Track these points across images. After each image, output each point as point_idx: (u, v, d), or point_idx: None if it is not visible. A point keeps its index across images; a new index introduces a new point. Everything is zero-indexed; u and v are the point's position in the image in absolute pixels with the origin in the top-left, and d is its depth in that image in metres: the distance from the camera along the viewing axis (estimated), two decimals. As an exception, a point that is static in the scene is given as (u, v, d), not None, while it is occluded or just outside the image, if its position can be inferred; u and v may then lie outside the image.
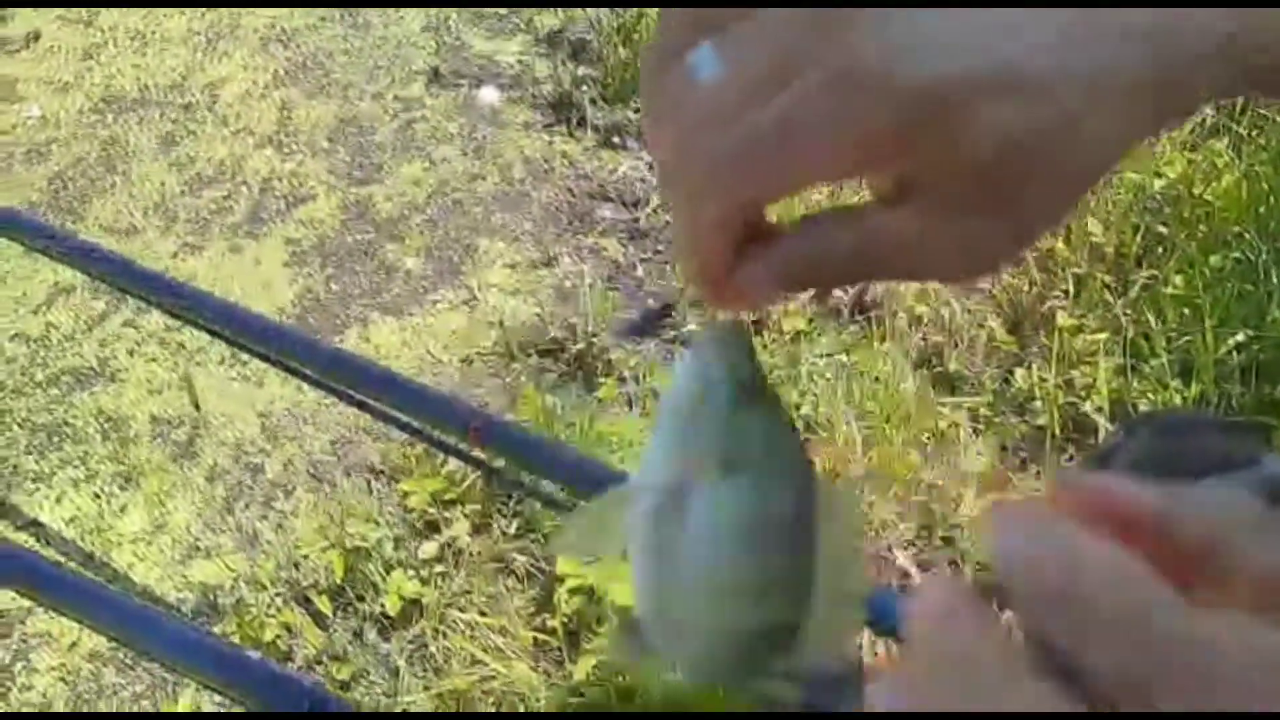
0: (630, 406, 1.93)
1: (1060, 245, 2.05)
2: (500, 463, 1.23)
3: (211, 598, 1.71)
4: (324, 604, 1.69)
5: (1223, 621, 0.26)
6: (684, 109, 0.36)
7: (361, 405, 1.06)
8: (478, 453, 1.07)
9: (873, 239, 0.37)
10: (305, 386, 2.03)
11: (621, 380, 1.97)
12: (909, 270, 0.38)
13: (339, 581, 1.71)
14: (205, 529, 1.84)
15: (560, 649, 1.60)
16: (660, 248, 2.20)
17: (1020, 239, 0.37)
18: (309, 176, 2.47)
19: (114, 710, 1.64)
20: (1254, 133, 2.15)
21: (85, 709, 1.64)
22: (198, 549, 1.82)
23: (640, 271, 2.17)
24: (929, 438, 1.83)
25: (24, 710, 1.63)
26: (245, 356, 2.08)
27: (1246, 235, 1.91)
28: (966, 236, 0.36)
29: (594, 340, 2.02)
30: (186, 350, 2.13)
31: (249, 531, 1.83)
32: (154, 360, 2.13)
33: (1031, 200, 0.36)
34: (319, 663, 1.64)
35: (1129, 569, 0.27)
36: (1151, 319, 1.84)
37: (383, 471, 1.87)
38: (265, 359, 1.09)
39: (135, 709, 1.63)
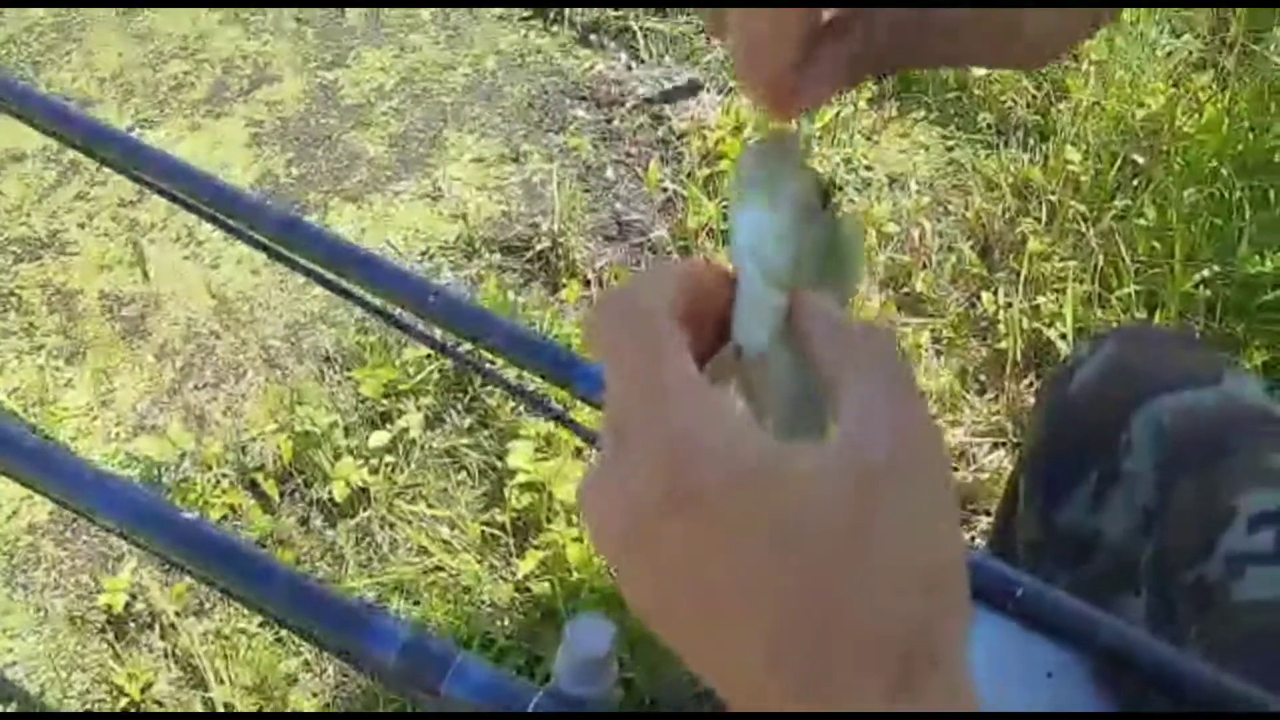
0: (593, 309, 1.91)
1: (1036, 172, 2.02)
2: (463, 347, 1.20)
3: (156, 474, 1.68)
4: (271, 487, 1.66)
5: (697, 390, 0.33)
6: None
7: (317, 277, 1.02)
8: (437, 333, 1.04)
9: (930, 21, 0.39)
10: (261, 269, 1.99)
11: (586, 283, 1.94)
12: (972, 52, 0.41)
13: (287, 466, 1.68)
14: (152, 406, 1.81)
15: (509, 544, 1.59)
16: (632, 150, 2.16)
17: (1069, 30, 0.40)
18: (275, 57, 2.40)
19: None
20: (1240, 68, 2.12)
21: (22, 581, 1.62)
22: (144, 426, 1.78)
23: (611, 174, 2.12)
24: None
25: None
26: (201, 235, 2.04)
27: (1223, 171, 1.89)
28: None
29: (560, 240, 1.98)
30: (140, 226, 2.07)
31: (197, 411, 1.79)
32: (106, 235, 2.07)
33: None
34: (263, 545, 1.62)
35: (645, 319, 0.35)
36: (1123, 249, 1.83)
37: (336, 359, 1.84)
38: (215, 221, 1.05)
39: (73, 582, 1.61)
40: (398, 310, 1.02)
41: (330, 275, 1.02)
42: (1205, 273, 1.76)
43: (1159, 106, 2.07)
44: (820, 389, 0.35)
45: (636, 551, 0.34)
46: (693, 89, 1.83)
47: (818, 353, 0.36)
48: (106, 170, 2.16)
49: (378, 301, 1.03)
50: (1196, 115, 2.03)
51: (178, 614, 1.54)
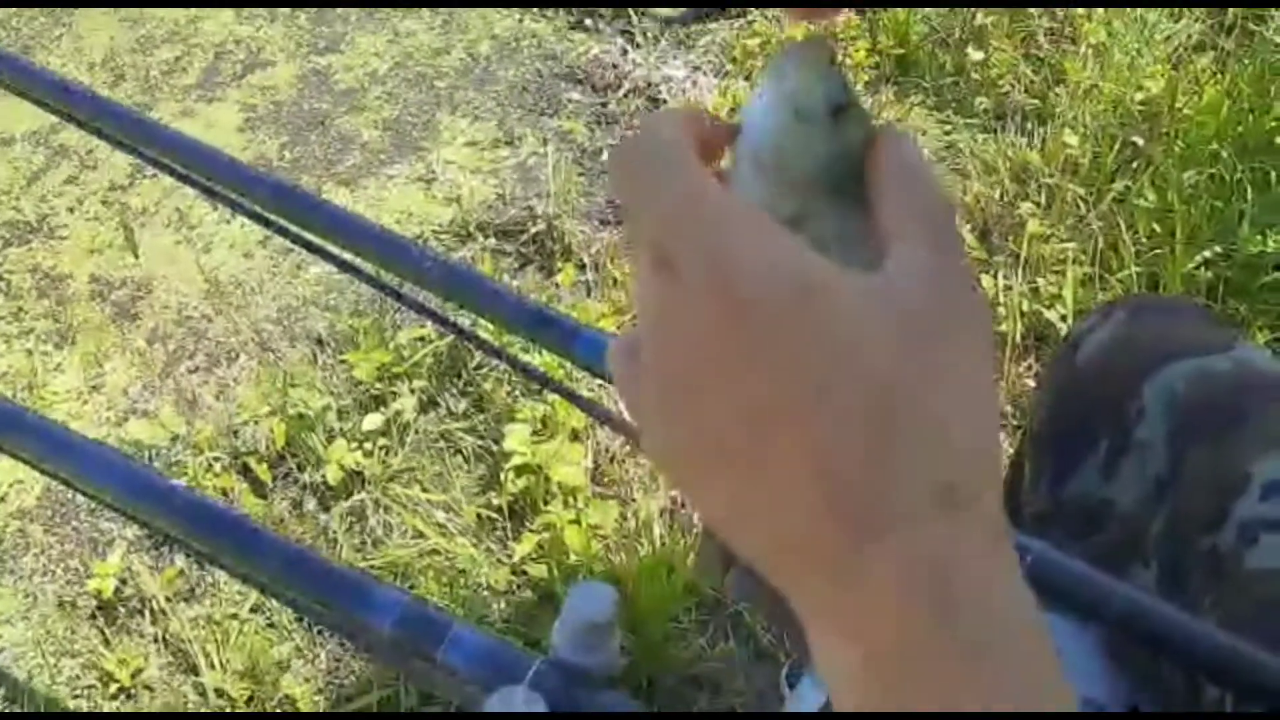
0: (589, 293, 1.89)
1: (1034, 156, 2.01)
2: (463, 320, 1.18)
3: (147, 458, 1.66)
4: (263, 471, 1.64)
5: (746, 211, 0.33)
6: None
7: (310, 247, 1.00)
8: (434, 307, 1.02)
9: None
10: (254, 253, 1.97)
11: (581, 266, 1.92)
12: None
13: (279, 450, 1.66)
14: (144, 390, 1.78)
15: (505, 527, 1.57)
16: (628, 134, 2.14)
17: None
18: (268, 42, 2.38)
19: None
20: (1239, 49, 2.11)
21: (10, 567, 1.59)
22: (135, 410, 1.76)
23: (606, 157, 2.10)
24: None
25: None
26: (193, 219, 2.01)
27: (1224, 153, 1.88)
28: None
29: (555, 223, 1.96)
30: (131, 210, 2.04)
31: (189, 395, 1.77)
32: (96, 219, 2.05)
33: None
34: (256, 530, 1.60)
35: (671, 148, 0.34)
36: (1123, 231, 1.81)
37: (330, 342, 1.82)
38: (225, 199, 1.03)
39: (63, 568, 1.58)
40: (399, 284, 1.00)
41: (331, 248, 1.01)
42: (1207, 254, 1.74)
43: (1158, 89, 2.05)
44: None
45: (700, 378, 0.33)
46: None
47: (885, 193, 0.35)
48: (97, 154, 2.14)
49: (372, 269, 1.01)
50: (1196, 97, 2.02)
51: (168, 599, 1.52)
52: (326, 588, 0.72)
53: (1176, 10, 2.21)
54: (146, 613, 1.52)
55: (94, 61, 2.33)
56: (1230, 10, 2.16)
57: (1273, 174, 1.83)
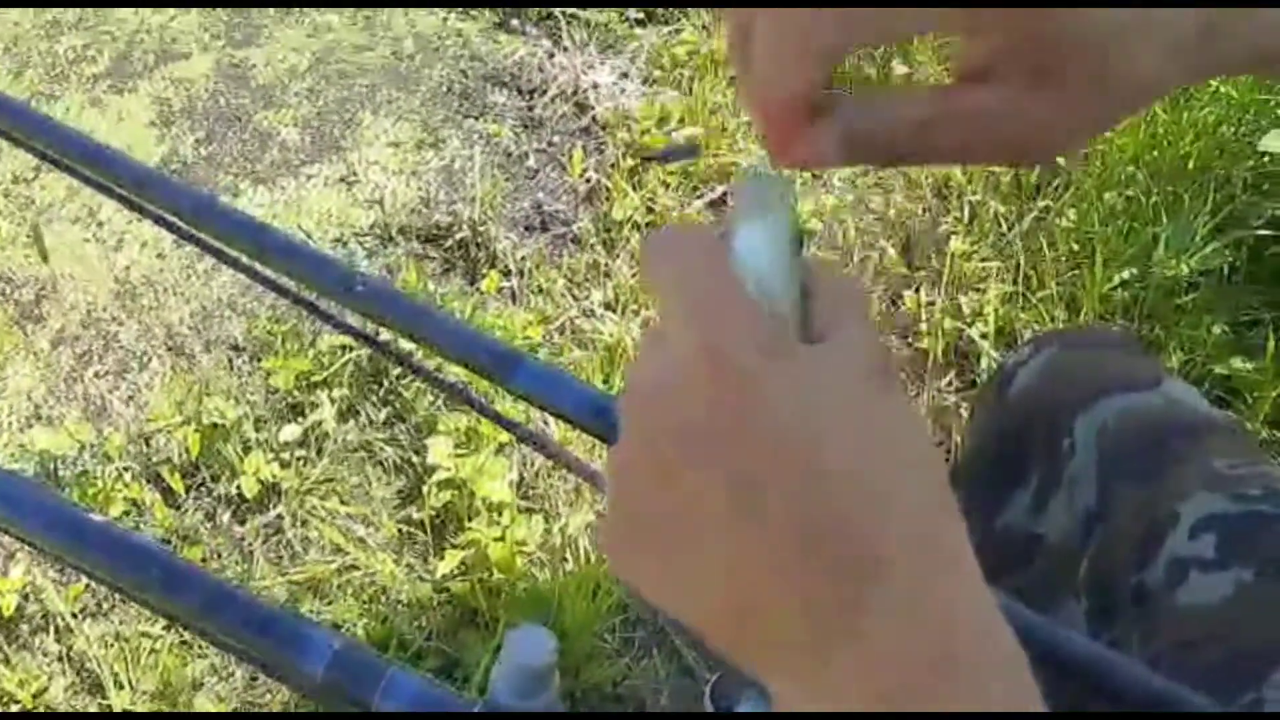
0: (514, 300, 1.86)
1: (956, 172, 2.03)
2: (383, 335, 1.15)
3: (52, 468, 1.60)
4: (176, 482, 1.59)
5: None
6: None
7: (234, 263, 0.97)
8: (355, 321, 0.99)
9: (948, 111, 0.40)
10: (167, 252, 1.91)
11: (506, 273, 1.90)
12: (975, 145, 0.41)
13: (193, 460, 1.61)
14: (48, 396, 1.72)
15: (426, 543, 1.54)
16: (554, 139, 2.12)
17: (1073, 134, 0.41)
18: (182, 33, 2.30)
19: None
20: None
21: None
22: (39, 416, 1.69)
23: (533, 161, 2.08)
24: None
25: None
26: (102, 216, 1.95)
27: (1140, 176, 1.92)
28: (1030, 116, 0.40)
29: (480, 229, 1.93)
30: (36, 205, 1.97)
31: (97, 402, 1.71)
32: (-1, 214, 1.97)
33: (1083, 97, 0.40)
34: (167, 542, 1.55)
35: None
36: (1045, 249, 1.84)
37: (246, 348, 1.77)
38: (127, 203, 0.98)
39: (-40, 581, 1.52)
40: (320, 300, 0.97)
41: (246, 259, 0.97)
42: (1124, 275, 1.78)
43: (1078, 110, 2.08)
44: None
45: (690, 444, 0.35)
46: (691, 151, 1.79)
47: (822, 300, 0.39)
48: None
49: (293, 285, 0.98)
50: (1114, 120, 2.06)
51: (74, 615, 1.46)
52: (254, 628, 0.69)
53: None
54: (50, 630, 1.46)
55: (-2, 48, 2.24)
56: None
57: (1186, 198, 1.88)
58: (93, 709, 1.40)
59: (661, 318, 0.38)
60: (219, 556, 1.54)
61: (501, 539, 1.48)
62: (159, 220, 0.99)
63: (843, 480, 0.34)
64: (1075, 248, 1.86)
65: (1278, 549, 0.80)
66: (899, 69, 2.22)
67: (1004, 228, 1.93)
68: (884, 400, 0.36)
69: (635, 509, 0.37)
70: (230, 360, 1.76)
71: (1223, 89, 1.99)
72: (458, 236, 1.93)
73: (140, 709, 1.38)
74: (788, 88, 0.39)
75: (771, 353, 0.35)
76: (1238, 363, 1.70)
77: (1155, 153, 1.97)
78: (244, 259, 0.96)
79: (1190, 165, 1.93)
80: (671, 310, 0.37)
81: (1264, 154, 1.87)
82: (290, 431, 1.63)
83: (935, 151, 0.41)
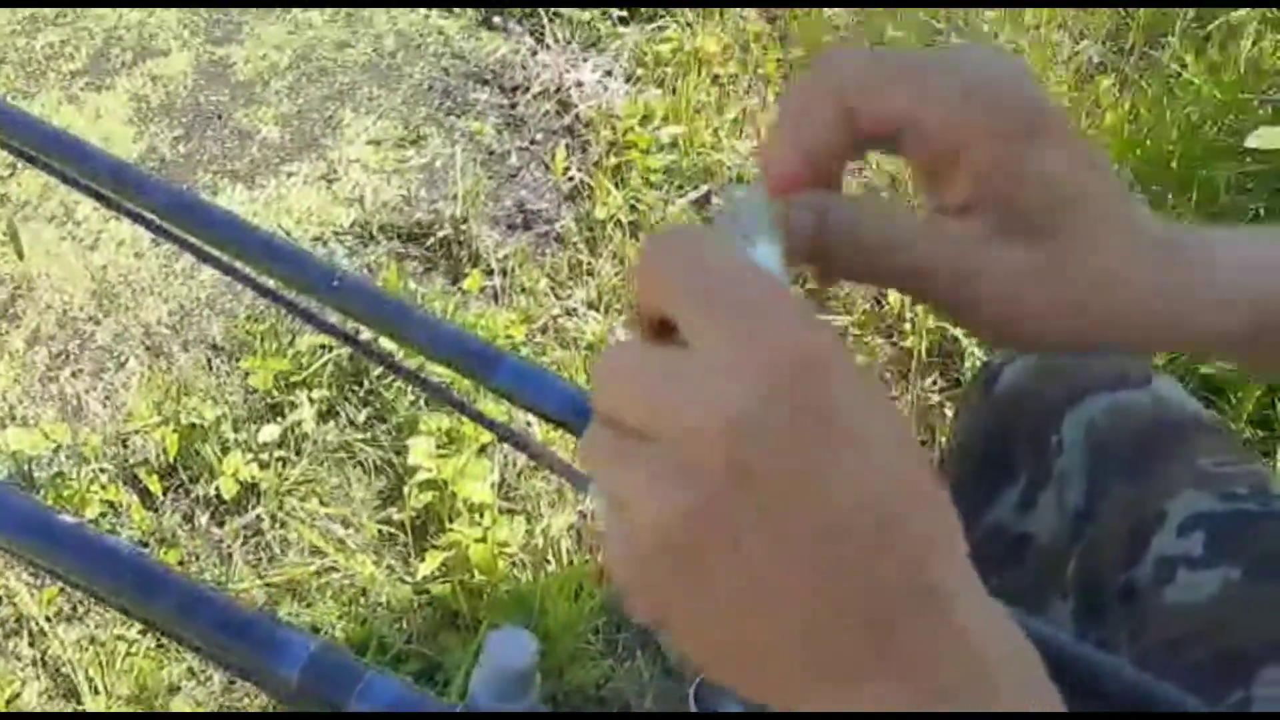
0: (496, 300, 1.85)
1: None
2: (364, 334, 1.14)
3: (27, 469, 1.58)
4: (153, 483, 1.57)
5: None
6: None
7: (208, 258, 0.95)
8: (336, 320, 0.98)
9: (918, 233, 0.41)
10: (145, 251, 1.88)
11: (489, 272, 1.88)
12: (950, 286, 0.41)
13: (171, 460, 1.59)
14: (23, 396, 1.69)
15: (407, 544, 1.53)
16: (537, 137, 2.10)
17: (1049, 313, 0.42)
18: (161, 29, 2.28)
19: None
20: (1138, 74, 2.16)
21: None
22: (13, 417, 1.67)
23: (515, 160, 2.07)
24: (798, 352, 1.80)
25: None
26: (79, 215, 1.92)
27: (1124, 174, 1.91)
28: (999, 264, 0.40)
29: (462, 227, 1.92)
30: (13, 203, 1.94)
31: (73, 402, 1.69)
32: (-27, 212, 1.94)
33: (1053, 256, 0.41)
34: (145, 544, 1.53)
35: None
36: (1027, 248, 1.84)
37: (225, 348, 1.75)
38: (101, 198, 0.96)
39: (-67, 584, 1.49)
40: (298, 297, 0.95)
41: (223, 256, 0.95)
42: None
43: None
44: None
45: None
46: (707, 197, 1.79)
47: None
48: (-25, 143, 2.02)
49: (274, 284, 0.96)
50: (1098, 118, 2.06)
51: (48, 619, 1.44)
52: (228, 631, 0.68)
53: (1079, 30, 2.25)
54: (24, 634, 1.44)
55: (-27, 44, 2.22)
56: (1130, 33, 2.21)
57: (1170, 196, 1.87)
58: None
59: (693, 332, 0.32)
60: (197, 558, 1.52)
61: (483, 540, 1.46)
62: (134, 217, 0.97)
63: (909, 517, 0.32)
64: (1059, 246, 1.86)
65: (1265, 547, 0.79)
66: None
67: (988, 226, 1.93)
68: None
69: (695, 562, 0.32)
70: (209, 360, 1.74)
71: (1206, 89, 1.99)
72: (439, 235, 1.91)
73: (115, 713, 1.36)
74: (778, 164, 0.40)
75: (848, 368, 0.32)
76: (1221, 362, 1.69)
77: (1139, 151, 1.96)
78: (221, 256, 0.95)
79: (1174, 164, 1.93)
80: (711, 323, 0.32)
81: (1247, 154, 1.87)
82: (269, 432, 1.61)
83: (907, 277, 0.41)
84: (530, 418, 1.53)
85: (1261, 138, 1.74)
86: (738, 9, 2.29)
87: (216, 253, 0.95)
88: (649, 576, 0.32)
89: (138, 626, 1.44)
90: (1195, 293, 0.43)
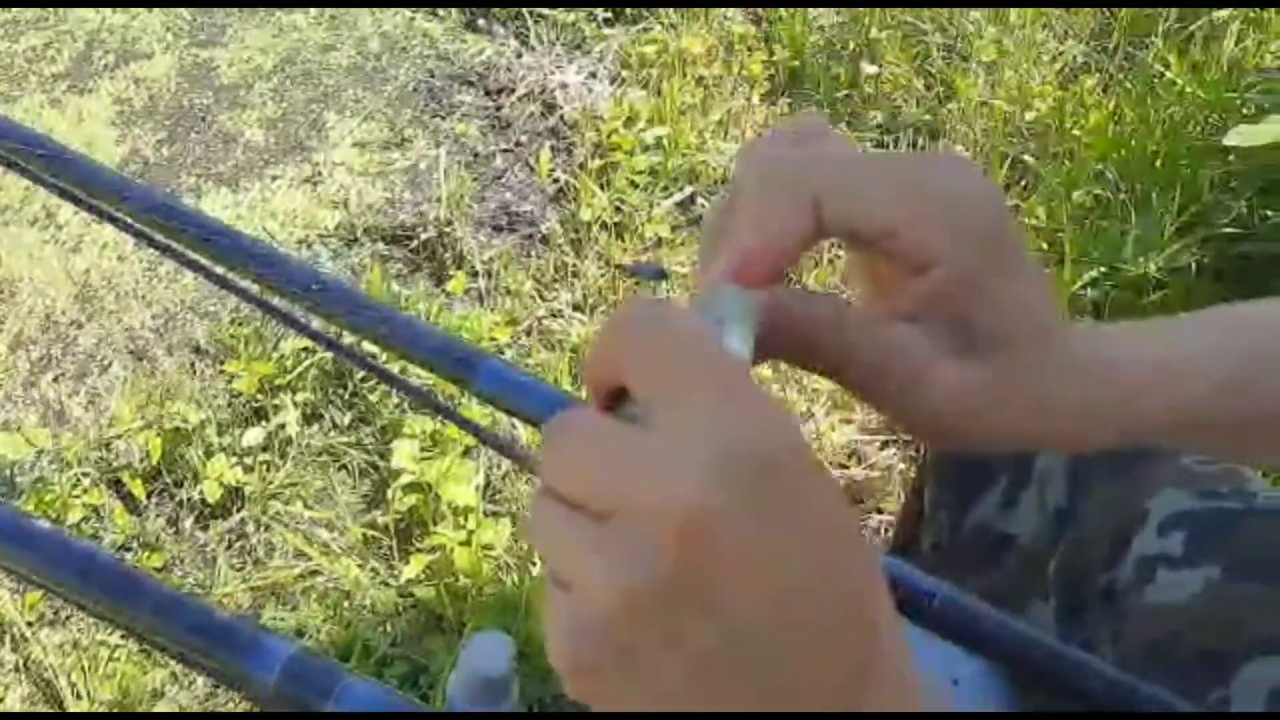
0: (481, 302, 1.84)
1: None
2: (346, 339, 1.13)
3: (8, 474, 1.57)
4: (137, 488, 1.56)
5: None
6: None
7: (188, 262, 0.94)
8: (318, 325, 0.97)
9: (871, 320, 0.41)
10: (128, 255, 1.88)
11: (473, 274, 1.88)
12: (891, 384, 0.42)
13: (155, 464, 1.58)
14: (6, 401, 1.68)
15: (391, 547, 1.52)
16: (522, 139, 2.10)
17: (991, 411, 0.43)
18: (144, 32, 2.27)
19: None
20: (1121, 74, 2.16)
21: None
22: (-5, 422, 1.66)
23: (500, 162, 2.06)
24: (784, 353, 1.80)
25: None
26: (61, 219, 1.91)
27: (1109, 174, 1.92)
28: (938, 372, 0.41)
29: (446, 229, 1.91)
30: (-7, 207, 1.94)
31: (56, 406, 1.68)
32: (-45, 216, 1.93)
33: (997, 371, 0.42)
34: (128, 549, 1.52)
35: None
36: (1012, 248, 1.84)
37: (209, 351, 1.74)
38: (75, 200, 0.96)
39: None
40: (281, 301, 0.95)
41: (206, 261, 0.95)
42: (1093, 273, 1.78)
43: (1046, 109, 2.09)
44: None
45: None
46: (660, 274, 1.79)
47: None
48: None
49: (256, 289, 0.95)
50: (1083, 118, 2.06)
51: (30, 624, 1.43)
52: (205, 636, 0.67)
53: (1063, 30, 2.26)
54: (7, 639, 1.43)
55: (-45, 47, 2.21)
56: (1114, 33, 2.22)
57: (1154, 195, 1.88)
58: (50, 720, 1.37)
59: (654, 410, 0.32)
60: (181, 563, 1.52)
61: (468, 543, 1.46)
62: (116, 222, 0.97)
63: (867, 597, 0.33)
64: (1044, 246, 1.86)
65: (1246, 546, 0.79)
66: (868, 68, 2.22)
67: (973, 227, 1.93)
68: None
69: (637, 652, 0.31)
70: (192, 364, 1.73)
71: (1189, 89, 2.00)
72: (424, 237, 1.91)
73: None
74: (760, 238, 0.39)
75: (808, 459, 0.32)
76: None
77: (1123, 151, 1.97)
78: (200, 259, 0.94)
79: (1158, 164, 1.93)
80: (675, 405, 0.31)
81: (1230, 152, 1.87)
82: (253, 435, 1.60)
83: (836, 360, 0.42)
84: (516, 420, 1.52)
85: (1241, 135, 1.74)
86: (721, 9, 2.29)
87: (195, 256, 0.95)
88: (588, 661, 0.31)
89: (120, 631, 1.43)
90: (1112, 407, 0.45)
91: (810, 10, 2.27)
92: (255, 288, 0.95)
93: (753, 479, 0.30)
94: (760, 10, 2.33)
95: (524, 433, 1.56)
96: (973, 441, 0.44)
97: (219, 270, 0.94)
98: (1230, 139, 1.73)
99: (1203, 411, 0.46)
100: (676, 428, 0.31)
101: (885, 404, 0.43)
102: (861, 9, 2.26)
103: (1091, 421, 0.44)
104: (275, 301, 0.96)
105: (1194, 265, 1.78)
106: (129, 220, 0.97)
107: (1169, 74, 2.06)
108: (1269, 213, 1.79)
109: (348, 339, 1.28)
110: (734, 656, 0.31)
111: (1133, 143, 1.97)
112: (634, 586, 0.30)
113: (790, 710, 0.32)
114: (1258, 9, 2.14)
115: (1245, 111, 1.91)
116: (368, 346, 1.34)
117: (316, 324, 0.98)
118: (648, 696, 0.32)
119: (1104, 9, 2.28)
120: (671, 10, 2.26)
